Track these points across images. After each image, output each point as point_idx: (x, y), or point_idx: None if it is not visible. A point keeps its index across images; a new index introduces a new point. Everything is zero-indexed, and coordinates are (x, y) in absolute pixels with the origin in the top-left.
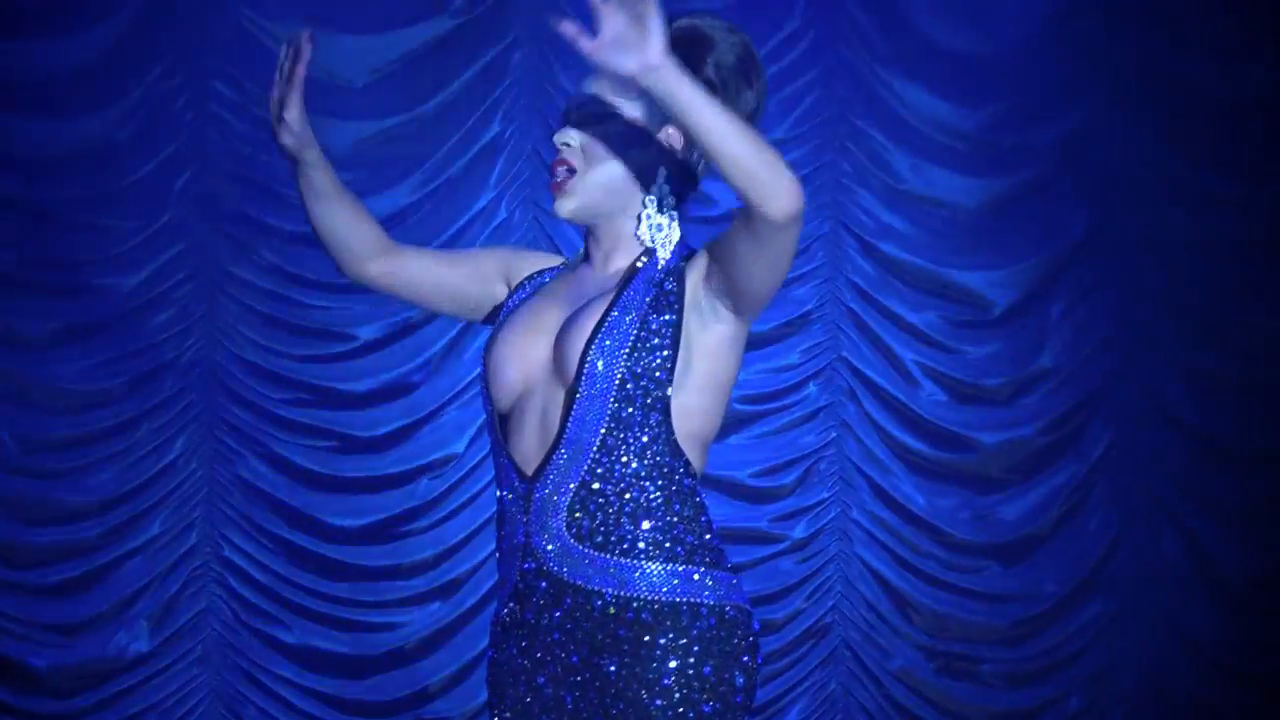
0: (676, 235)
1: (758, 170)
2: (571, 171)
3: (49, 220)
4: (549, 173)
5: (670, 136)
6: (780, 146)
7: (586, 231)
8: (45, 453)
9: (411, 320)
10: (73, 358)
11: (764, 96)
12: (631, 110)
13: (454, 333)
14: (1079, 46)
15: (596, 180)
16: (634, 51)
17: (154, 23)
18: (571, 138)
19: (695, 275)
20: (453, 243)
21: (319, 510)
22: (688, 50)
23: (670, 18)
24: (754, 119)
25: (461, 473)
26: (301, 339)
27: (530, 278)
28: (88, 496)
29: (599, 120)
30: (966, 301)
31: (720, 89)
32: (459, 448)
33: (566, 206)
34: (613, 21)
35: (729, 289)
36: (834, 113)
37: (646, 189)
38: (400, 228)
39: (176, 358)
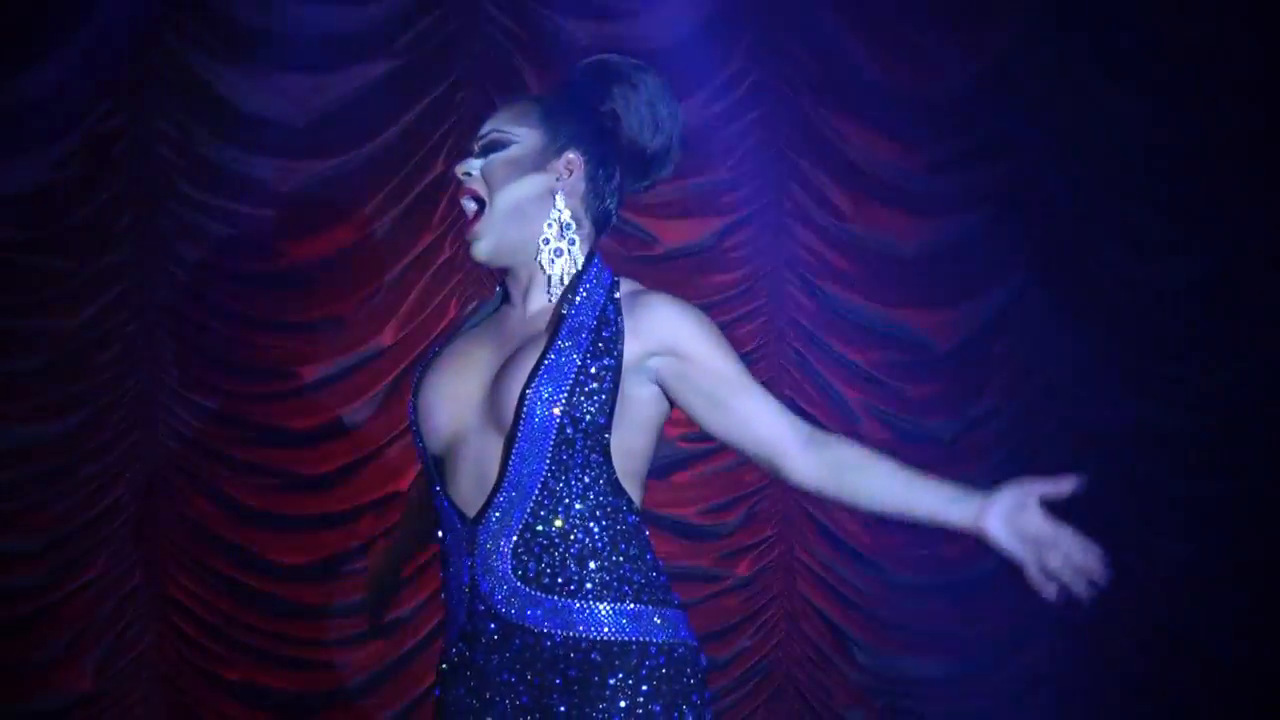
0: (580, 259)
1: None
2: (478, 201)
3: None
4: (462, 209)
5: (570, 162)
6: (722, 185)
7: (502, 270)
8: None
9: (354, 360)
10: (14, 397)
11: (676, 130)
12: (529, 139)
13: (398, 371)
14: (1022, 88)
15: (501, 207)
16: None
17: (96, 62)
18: (472, 166)
19: (640, 345)
20: (398, 281)
21: (263, 548)
22: (596, 82)
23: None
24: (667, 152)
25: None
26: (245, 377)
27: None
28: (31, 536)
29: (496, 148)
30: (910, 341)
31: (623, 117)
32: (402, 485)
33: (482, 248)
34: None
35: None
36: (777, 152)
37: (547, 215)
38: (344, 266)
39: (119, 397)
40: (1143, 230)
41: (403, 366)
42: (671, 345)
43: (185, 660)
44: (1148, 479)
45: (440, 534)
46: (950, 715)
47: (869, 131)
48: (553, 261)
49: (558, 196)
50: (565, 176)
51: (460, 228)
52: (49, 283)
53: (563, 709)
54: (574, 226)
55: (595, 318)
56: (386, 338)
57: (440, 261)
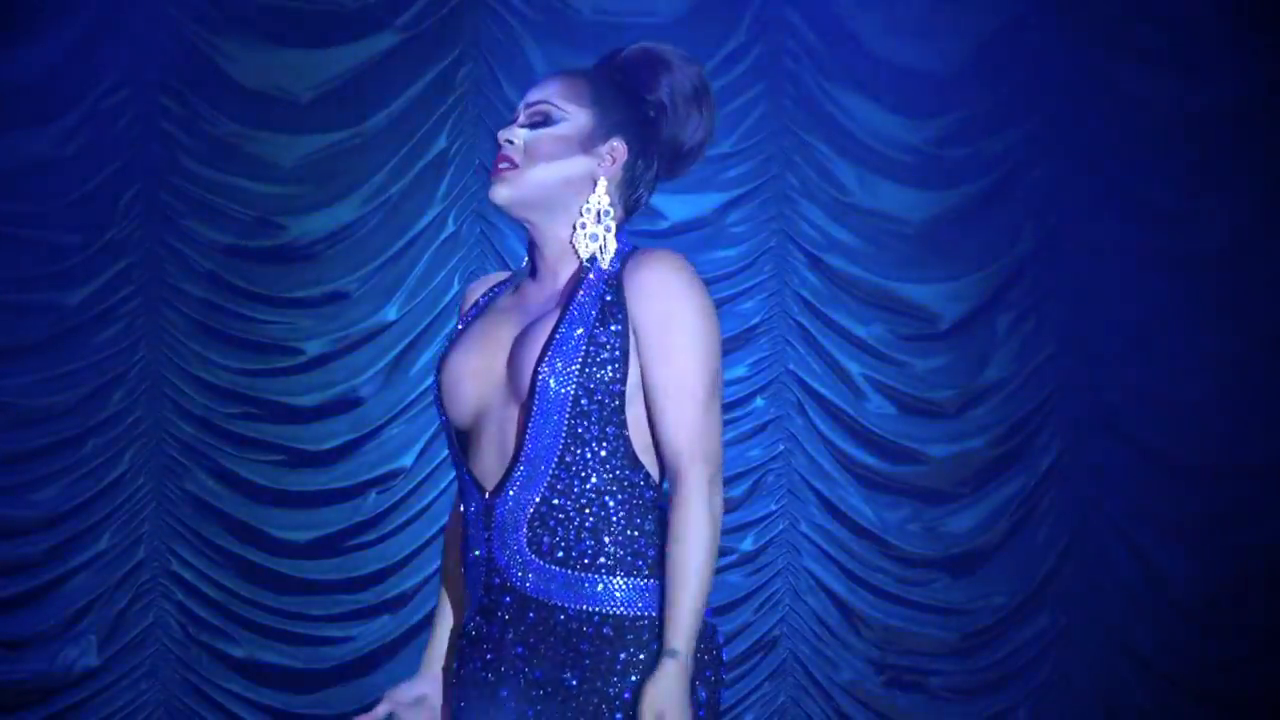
0: (613, 247)
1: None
2: (511, 165)
3: None
4: (491, 169)
5: (614, 150)
6: (727, 160)
7: (530, 244)
8: None
9: (358, 335)
10: (18, 373)
11: (713, 126)
12: (579, 118)
13: (400, 348)
14: (1025, 61)
15: (535, 178)
16: None
17: (100, 38)
18: (516, 135)
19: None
20: (401, 256)
21: (267, 524)
22: (646, 70)
23: (637, 44)
24: (701, 148)
25: (409, 487)
26: (249, 353)
27: (483, 296)
28: (34, 512)
29: (545, 123)
30: (914, 315)
31: (669, 110)
32: (406, 462)
33: (502, 193)
34: None
35: None
36: (780, 127)
37: (585, 198)
38: (348, 242)
39: (123, 373)
40: (1147, 201)
41: (407, 342)
42: (636, 324)
43: (189, 636)
44: (1153, 449)
45: (462, 508)
46: (954, 689)
47: (872, 105)
48: (587, 245)
49: (599, 182)
50: (608, 163)
51: (464, 201)
52: (53, 258)
53: (574, 683)
54: (610, 213)
55: (603, 284)
56: (390, 313)
57: (444, 237)
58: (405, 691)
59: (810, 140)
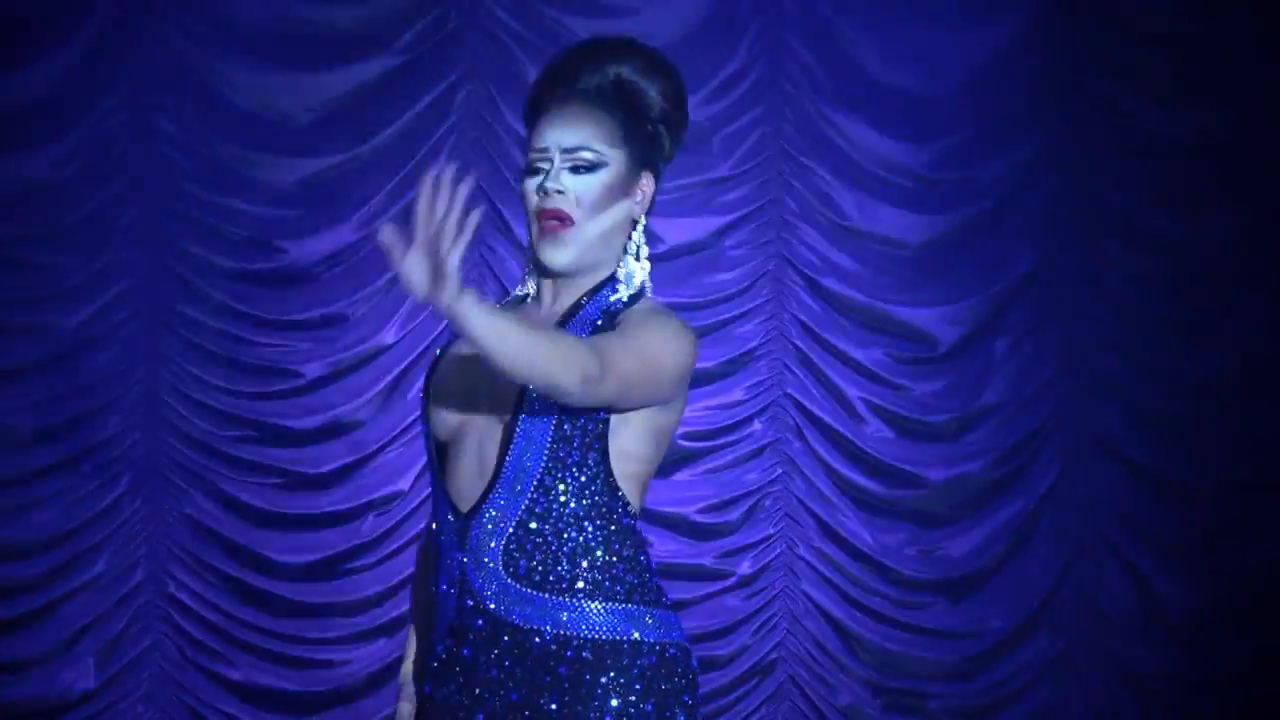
0: (647, 277)
1: (543, 371)
2: (566, 222)
3: None
4: (538, 219)
5: (644, 187)
6: (725, 184)
7: (538, 270)
8: None
9: (356, 358)
10: (15, 395)
11: (687, 127)
12: (618, 161)
13: (398, 371)
14: (1023, 85)
15: (593, 233)
16: (430, 290)
17: (99, 59)
18: (565, 185)
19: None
20: (398, 281)
21: (264, 547)
22: (641, 90)
23: (613, 56)
24: (676, 149)
25: (406, 510)
26: (247, 376)
27: None
28: (32, 534)
29: (591, 170)
30: (912, 338)
31: (670, 126)
32: (404, 485)
33: (563, 258)
34: (411, 264)
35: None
36: (778, 150)
37: (624, 239)
38: (346, 265)
39: (121, 395)
40: (1144, 225)
41: (404, 364)
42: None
43: (187, 659)
44: (1151, 472)
45: (434, 526)
46: (952, 712)
47: (870, 129)
48: (628, 284)
49: (640, 221)
50: (640, 200)
51: None
52: (51, 279)
53: (553, 707)
54: (647, 250)
55: (600, 314)
56: (388, 337)
57: None
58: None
59: (808, 164)
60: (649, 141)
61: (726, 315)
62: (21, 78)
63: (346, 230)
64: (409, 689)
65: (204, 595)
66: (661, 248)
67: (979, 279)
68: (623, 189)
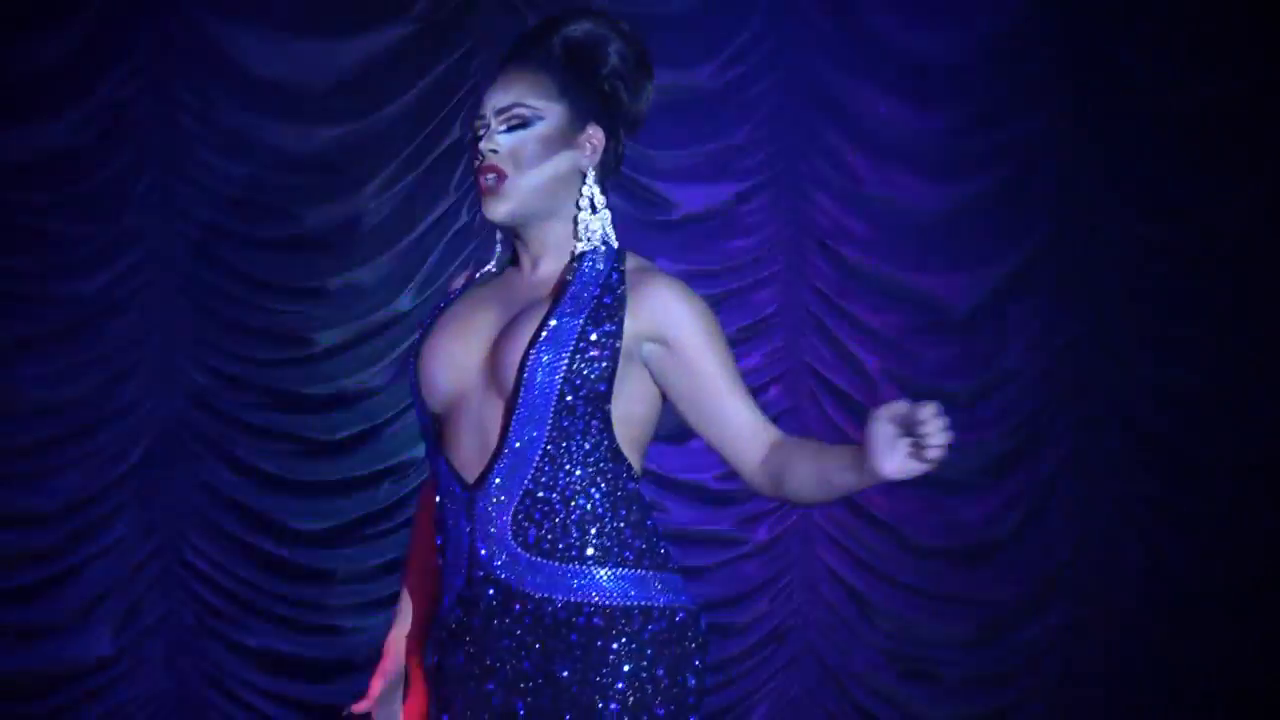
0: (613, 234)
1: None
2: (501, 177)
3: (6, 226)
4: (476, 178)
5: (592, 138)
6: (740, 151)
7: (513, 235)
8: (6, 457)
9: (371, 325)
10: (32, 363)
11: (649, 98)
12: (554, 114)
13: (414, 338)
14: (1039, 51)
15: (528, 185)
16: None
17: (115, 27)
18: (499, 144)
19: (636, 325)
20: (414, 248)
21: (281, 514)
22: (594, 46)
23: (561, 21)
24: (642, 122)
25: (422, 476)
26: (262, 343)
27: (461, 285)
28: (49, 501)
29: (524, 125)
30: (927, 305)
31: (626, 82)
32: (419, 452)
33: (500, 209)
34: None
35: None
36: (794, 116)
37: (575, 193)
38: (361, 233)
39: (137, 362)
40: (1160, 192)
41: (418, 334)
42: (663, 334)
43: (203, 625)
44: (1166, 441)
45: (438, 499)
46: (967, 679)
47: (886, 95)
48: (589, 239)
49: (589, 173)
50: (589, 153)
51: (476, 192)
52: (66, 247)
53: (565, 674)
54: (604, 201)
55: (599, 285)
56: (403, 304)
57: (457, 228)
58: (387, 683)
59: (824, 130)
60: (601, 97)
61: (742, 282)
62: (35, 45)
63: (363, 197)
64: (395, 661)
65: (220, 562)
66: (677, 214)
67: (995, 246)
68: (563, 140)
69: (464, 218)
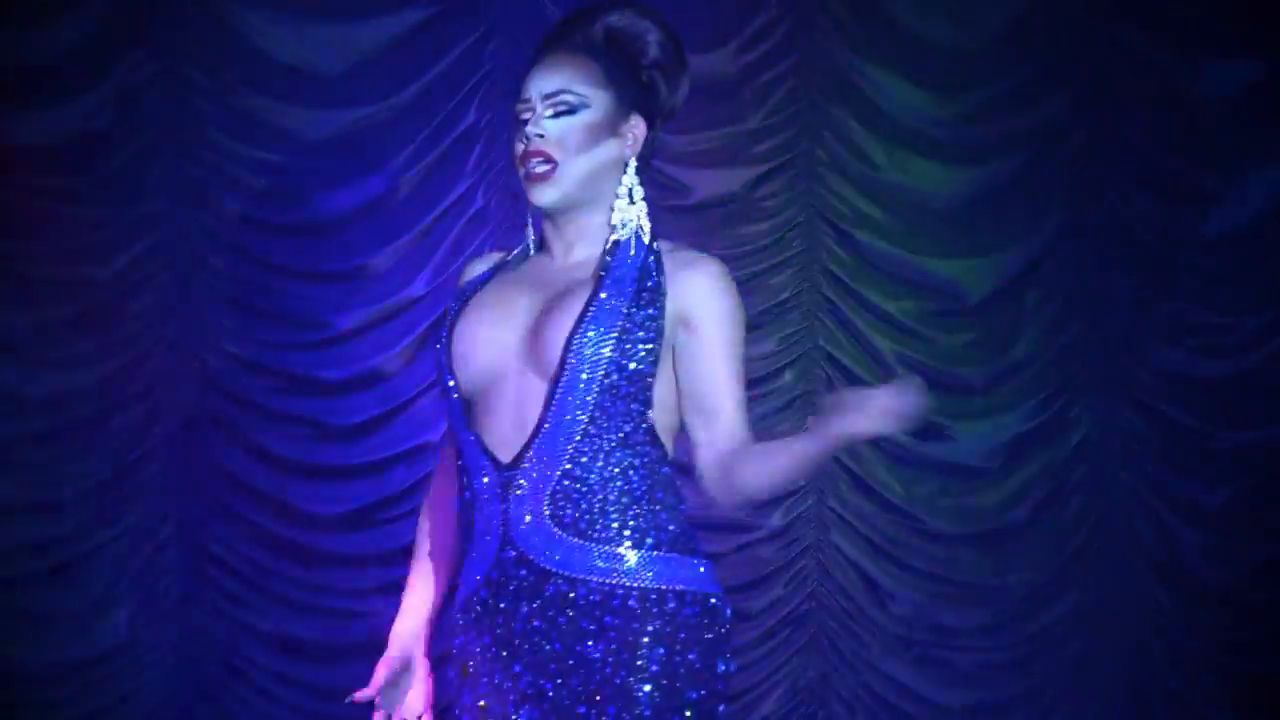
0: (648, 226)
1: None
2: (549, 162)
3: (22, 210)
4: (520, 163)
5: (635, 129)
6: (755, 135)
7: (545, 220)
8: (23, 443)
9: (386, 309)
10: (49, 347)
11: (685, 91)
12: (601, 101)
13: (429, 322)
14: (1057, 37)
15: (577, 172)
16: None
17: (130, 10)
18: (546, 129)
19: (673, 304)
20: (430, 230)
21: (297, 498)
22: (636, 36)
23: (603, 9)
24: (676, 112)
25: (437, 461)
26: (278, 327)
27: (486, 270)
28: (65, 487)
29: (573, 112)
30: (943, 290)
31: (666, 74)
32: (435, 436)
33: (549, 195)
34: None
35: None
36: (810, 101)
37: (616, 181)
38: (377, 215)
39: (153, 346)
40: (1176, 178)
41: (433, 318)
42: (689, 316)
43: (218, 610)
44: (1183, 427)
45: (463, 480)
46: (982, 665)
47: (902, 80)
48: (624, 225)
49: (630, 163)
50: (632, 143)
51: (492, 175)
52: (82, 232)
53: (596, 655)
54: (641, 192)
55: (638, 269)
56: (419, 288)
57: (472, 211)
58: (392, 673)
59: (840, 115)
60: (641, 87)
61: (758, 267)
62: (51, 29)
63: (378, 181)
64: (405, 644)
65: (236, 546)
66: (692, 199)
67: (1010, 231)
68: (609, 128)
69: (479, 201)
